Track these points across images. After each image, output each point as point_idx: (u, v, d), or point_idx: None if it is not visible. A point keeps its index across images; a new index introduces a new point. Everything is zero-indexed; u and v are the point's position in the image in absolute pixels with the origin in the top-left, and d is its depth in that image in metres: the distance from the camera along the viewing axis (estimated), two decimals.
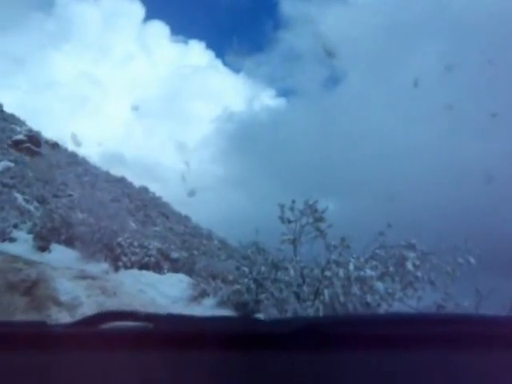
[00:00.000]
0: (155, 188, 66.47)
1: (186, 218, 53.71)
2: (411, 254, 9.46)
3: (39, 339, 1.37)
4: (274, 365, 1.25)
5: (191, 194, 17.96)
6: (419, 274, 9.29)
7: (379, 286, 8.87)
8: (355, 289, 8.64)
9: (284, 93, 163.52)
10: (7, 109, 67.33)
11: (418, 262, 9.40)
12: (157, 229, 34.85)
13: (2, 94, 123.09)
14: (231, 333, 1.38)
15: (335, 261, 9.18)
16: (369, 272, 8.91)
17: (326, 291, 8.69)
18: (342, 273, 8.77)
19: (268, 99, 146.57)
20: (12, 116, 66.20)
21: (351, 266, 8.84)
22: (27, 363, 1.28)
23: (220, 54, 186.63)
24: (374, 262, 9.42)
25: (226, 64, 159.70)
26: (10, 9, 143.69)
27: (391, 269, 9.42)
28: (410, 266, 9.29)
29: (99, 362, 1.28)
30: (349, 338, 1.32)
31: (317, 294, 9.16)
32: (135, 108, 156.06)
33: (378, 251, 9.71)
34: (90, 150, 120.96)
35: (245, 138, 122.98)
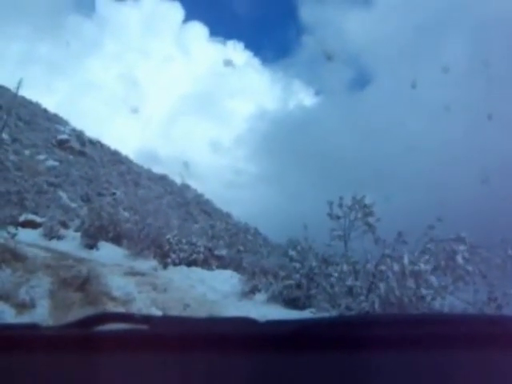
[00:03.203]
0: (193, 185, 67.17)
1: (228, 215, 53.93)
2: (461, 248, 9.37)
3: (31, 341, 1.35)
4: (270, 366, 1.23)
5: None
6: (470, 268, 9.19)
7: (433, 279, 8.84)
8: (410, 282, 8.61)
9: (316, 92, 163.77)
10: (50, 109, 68.72)
11: (467, 255, 9.30)
12: (199, 226, 35.09)
13: (44, 95, 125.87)
14: (227, 334, 1.37)
15: (389, 255, 9.15)
16: (423, 266, 8.86)
17: (381, 285, 8.68)
18: (396, 267, 8.74)
19: (301, 98, 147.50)
20: (55, 116, 67.47)
21: (406, 260, 8.80)
22: (19, 366, 1.27)
23: (257, 53, 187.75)
24: (427, 256, 9.37)
25: (262, 63, 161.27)
26: (51, 13, 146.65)
27: (442, 263, 9.36)
28: (460, 259, 9.20)
29: (92, 364, 1.26)
30: (344, 339, 1.30)
31: (370, 288, 9.15)
32: (172, 107, 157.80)
33: (428, 245, 9.64)
34: (129, 149, 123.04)
35: (278, 136, 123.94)
